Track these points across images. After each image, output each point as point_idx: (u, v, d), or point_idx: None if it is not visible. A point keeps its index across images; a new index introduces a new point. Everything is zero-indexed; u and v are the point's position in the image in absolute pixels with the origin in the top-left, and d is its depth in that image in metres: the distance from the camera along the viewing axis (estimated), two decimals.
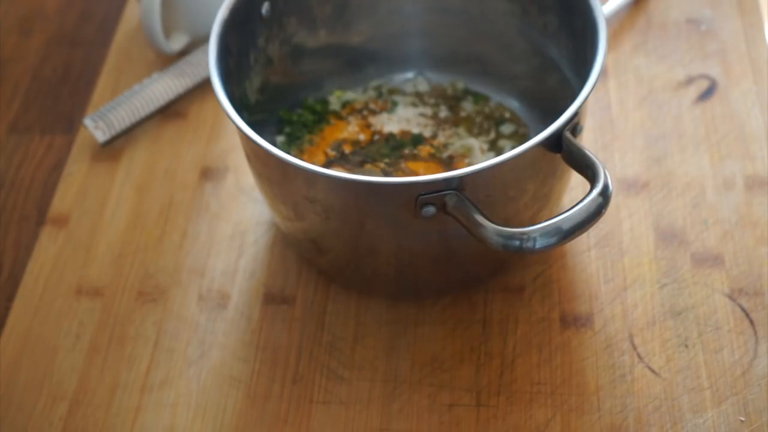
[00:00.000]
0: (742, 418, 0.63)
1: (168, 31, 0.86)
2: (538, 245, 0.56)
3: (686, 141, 0.78)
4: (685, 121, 0.79)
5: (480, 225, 0.57)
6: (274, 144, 0.71)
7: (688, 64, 0.83)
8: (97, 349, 0.70)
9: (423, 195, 0.58)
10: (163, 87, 0.83)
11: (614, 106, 0.81)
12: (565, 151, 0.60)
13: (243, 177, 0.79)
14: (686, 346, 0.67)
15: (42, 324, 0.72)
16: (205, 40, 0.82)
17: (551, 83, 0.74)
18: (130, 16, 0.93)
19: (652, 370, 0.66)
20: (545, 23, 0.73)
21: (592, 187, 0.57)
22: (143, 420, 0.66)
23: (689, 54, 0.84)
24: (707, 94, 0.81)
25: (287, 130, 0.78)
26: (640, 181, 0.76)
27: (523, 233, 0.56)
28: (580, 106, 0.60)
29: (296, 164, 0.59)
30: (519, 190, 0.63)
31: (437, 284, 0.69)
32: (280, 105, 0.78)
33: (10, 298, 0.73)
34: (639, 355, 0.67)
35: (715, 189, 0.75)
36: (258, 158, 0.65)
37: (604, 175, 0.57)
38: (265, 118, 0.75)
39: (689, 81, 0.82)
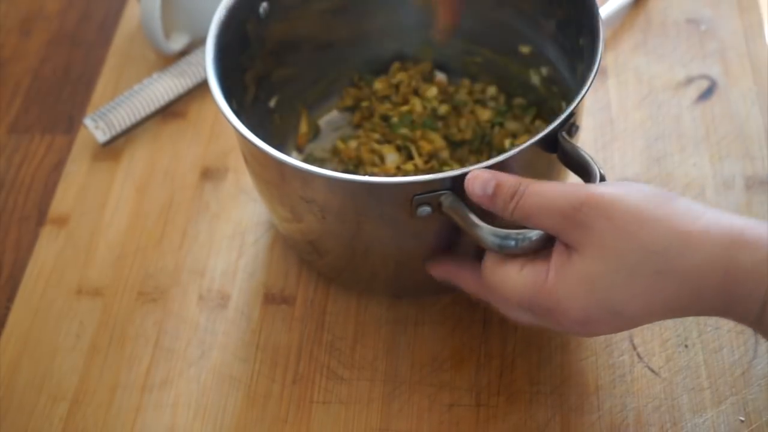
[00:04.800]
0: (742, 418, 0.63)
1: (168, 31, 0.86)
2: (534, 245, 0.56)
3: (686, 141, 0.78)
4: (684, 121, 0.79)
5: (475, 225, 0.57)
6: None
7: (688, 64, 0.83)
8: (97, 349, 0.70)
9: (418, 195, 0.58)
10: (163, 87, 0.83)
11: (614, 106, 0.81)
12: (560, 151, 0.60)
13: (243, 177, 0.79)
14: (686, 345, 0.67)
15: (42, 324, 0.72)
16: (205, 40, 0.82)
17: (549, 83, 0.74)
18: (130, 16, 0.93)
19: (652, 370, 0.66)
20: (544, 23, 0.72)
21: None
22: (143, 420, 0.66)
23: (689, 54, 0.84)
24: (707, 94, 0.81)
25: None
26: (640, 181, 0.76)
27: (518, 233, 0.56)
28: (575, 108, 0.60)
29: (292, 164, 0.59)
30: None
31: (436, 284, 0.69)
32: (278, 105, 0.78)
33: (10, 298, 0.73)
34: (639, 355, 0.67)
35: (715, 189, 0.75)
36: (255, 159, 0.65)
37: (599, 175, 0.57)
38: (263, 118, 0.75)
39: (689, 81, 0.82)
